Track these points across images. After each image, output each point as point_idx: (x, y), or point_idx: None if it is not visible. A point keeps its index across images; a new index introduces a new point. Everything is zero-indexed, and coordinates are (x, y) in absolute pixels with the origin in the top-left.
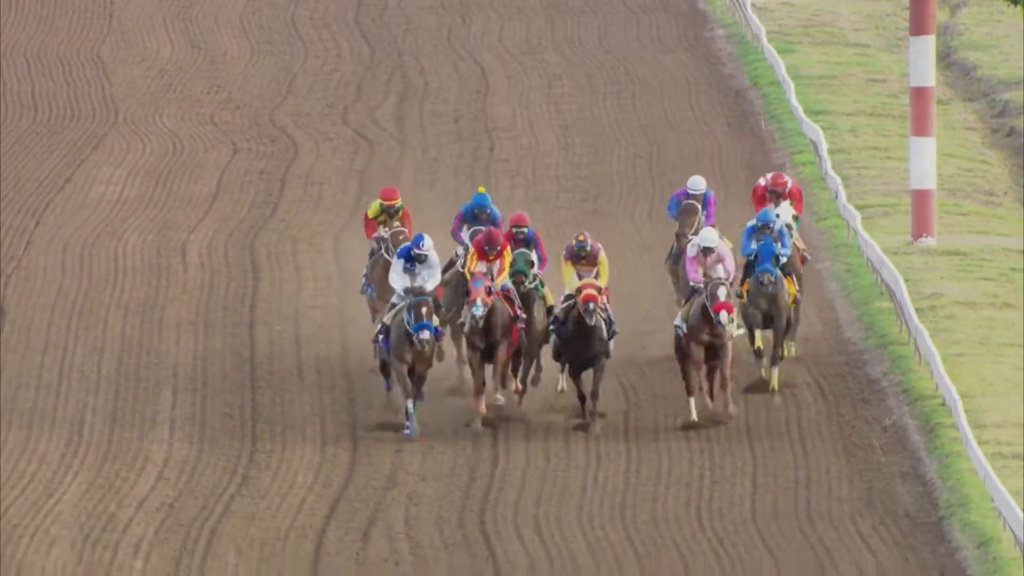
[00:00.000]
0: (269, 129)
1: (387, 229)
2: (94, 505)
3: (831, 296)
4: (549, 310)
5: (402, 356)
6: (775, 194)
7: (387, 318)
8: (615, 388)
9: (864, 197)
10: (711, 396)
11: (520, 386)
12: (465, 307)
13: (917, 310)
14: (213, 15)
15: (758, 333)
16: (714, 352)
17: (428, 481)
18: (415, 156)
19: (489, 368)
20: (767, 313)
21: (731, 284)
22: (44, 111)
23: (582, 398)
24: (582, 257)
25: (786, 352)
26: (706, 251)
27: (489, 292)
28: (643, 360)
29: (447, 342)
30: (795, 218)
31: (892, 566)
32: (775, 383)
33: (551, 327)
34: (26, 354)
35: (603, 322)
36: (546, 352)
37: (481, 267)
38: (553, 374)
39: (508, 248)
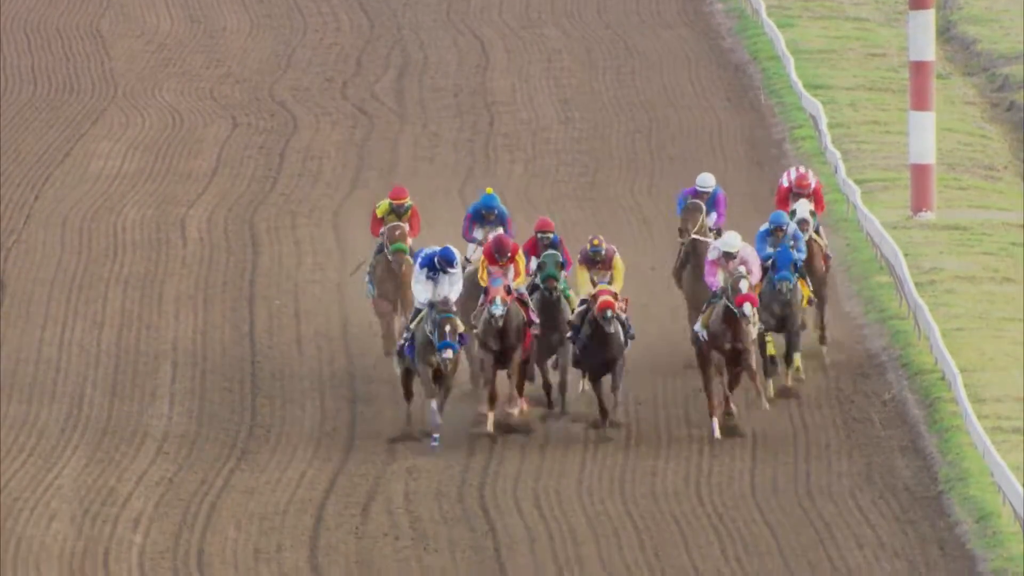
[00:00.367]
0: (269, 103)
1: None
2: (94, 479)
3: (831, 271)
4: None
5: (428, 361)
6: (799, 196)
7: (412, 324)
8: None
9: (864, 171)
10: (730, 404)
11: (526, 408)
12: (480, 309)
13: (917, 284)
14: None
15: (769, 338)
16: (736, 358)
17: (427, 455)
18: (414, 130)
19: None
20: (780, 317)
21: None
22: (43, 85)
23: (603, 411)
24: (597, 261)
25: (797, 363)
26: (727, 256)
27: (508, 291)
28: (642, 338)
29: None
30: (812, 213)
31: (891, 540)
32: (787, 379)
33: (567, 334)
34: (26, 328)
35: (620, 327)
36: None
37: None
38: (574, 375)
39: (520, 253)
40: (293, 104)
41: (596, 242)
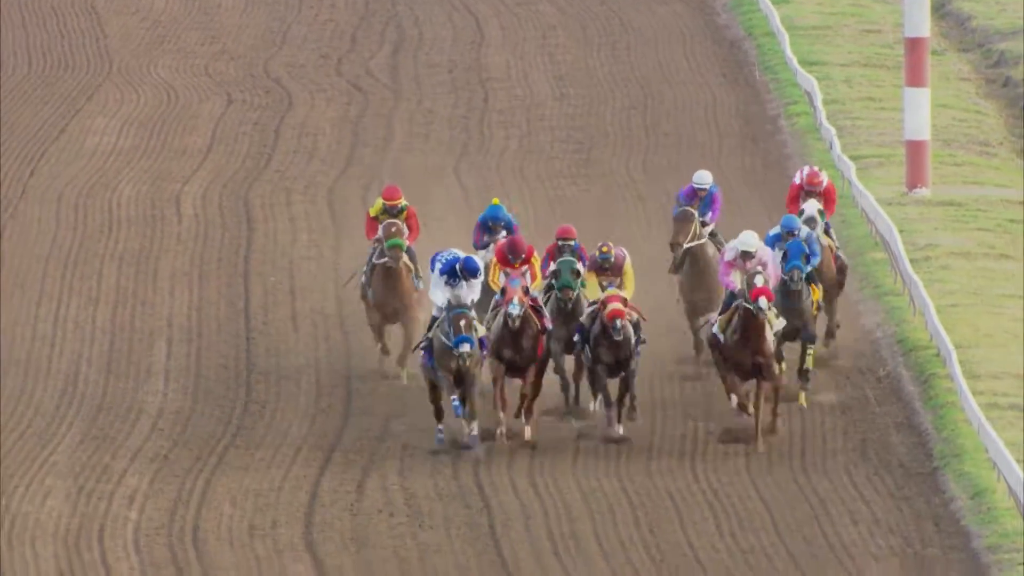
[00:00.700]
0: (263, 80)
1: (381, 224)
2: (89, 456)
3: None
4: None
5: (447, 366)
6: (810, 194)
7: (430, 332)
8: None
9: (858, 148)
10: (752, 410)
11: (534, 439)
12: (493, 313)
13: (911, 261)
14: None
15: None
16: (757, 370)
17: (422, 433)
18: (409, 107)
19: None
20: (791, 322)
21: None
22: (39, 62)
23: (615, 405)
24: (605, 268)
25: (810, 363)
26: (745, 255)
27: (527, 292)
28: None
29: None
30: (820, 213)
31: (886, 516)
32: (802, 400)
33: (575, 337)
34: (21, 304)
35: (631, 330)
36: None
37: (504, 278)
38: (585, 392)
39: (535, 255)
40: (288, 80)
41: (605, 249)
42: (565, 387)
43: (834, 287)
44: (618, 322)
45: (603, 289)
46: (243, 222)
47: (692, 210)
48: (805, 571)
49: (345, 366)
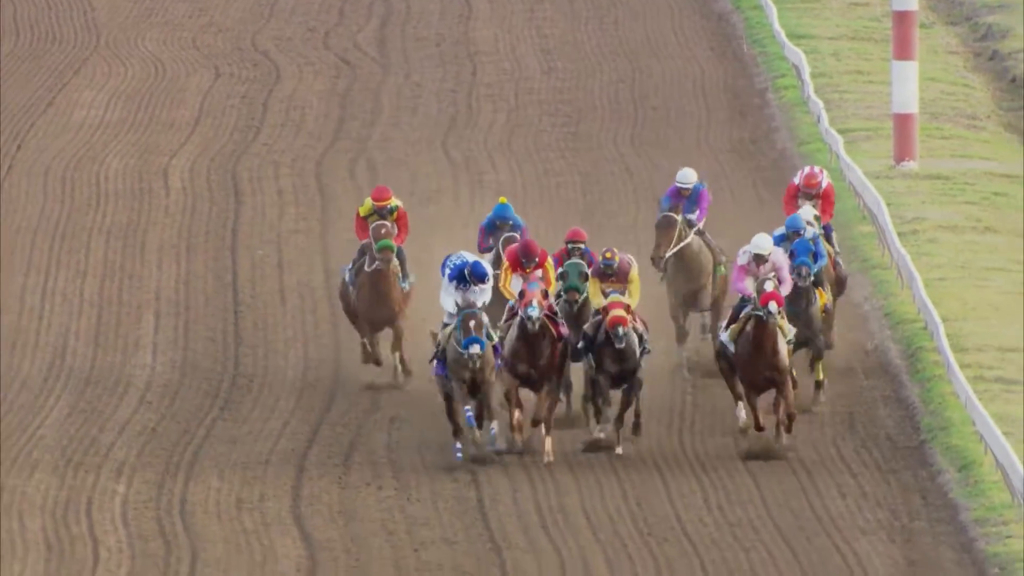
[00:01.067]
0: (251, 53)
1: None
2: (76, 429)
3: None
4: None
5: (459, 374)
6: (807, 196)
7: (440, 338)
8: None
9: (846, 121)
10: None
11: (551, 456)
12: (507, 324)
13: (899, 234)
14: None
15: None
16: (770, 383)
17: (410, 406)
18: (397, 80)
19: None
20: (799, 330)
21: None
22: (26, 35)
23: (616, 423)
24: (609, 275)
25: (820, 374)
26: (758, 258)
27: (545, 295)
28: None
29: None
30: (816, 218)
31: (873, 489)
32: (818, 407)
33: (579, 345)
34: (8, 277)
35: (635, 338)
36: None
37: (517, 283)
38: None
39: (549, 260)
40: (276, 54)
41: (609, 255)
42: (567, 388)
43: (834, 288)
44: (620, 329)
45: (605, 296)
46: (231, 195)
47: (674, 216)
48: (792, 544)
49: (332, 339)
